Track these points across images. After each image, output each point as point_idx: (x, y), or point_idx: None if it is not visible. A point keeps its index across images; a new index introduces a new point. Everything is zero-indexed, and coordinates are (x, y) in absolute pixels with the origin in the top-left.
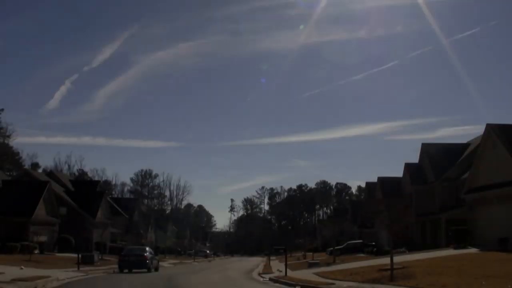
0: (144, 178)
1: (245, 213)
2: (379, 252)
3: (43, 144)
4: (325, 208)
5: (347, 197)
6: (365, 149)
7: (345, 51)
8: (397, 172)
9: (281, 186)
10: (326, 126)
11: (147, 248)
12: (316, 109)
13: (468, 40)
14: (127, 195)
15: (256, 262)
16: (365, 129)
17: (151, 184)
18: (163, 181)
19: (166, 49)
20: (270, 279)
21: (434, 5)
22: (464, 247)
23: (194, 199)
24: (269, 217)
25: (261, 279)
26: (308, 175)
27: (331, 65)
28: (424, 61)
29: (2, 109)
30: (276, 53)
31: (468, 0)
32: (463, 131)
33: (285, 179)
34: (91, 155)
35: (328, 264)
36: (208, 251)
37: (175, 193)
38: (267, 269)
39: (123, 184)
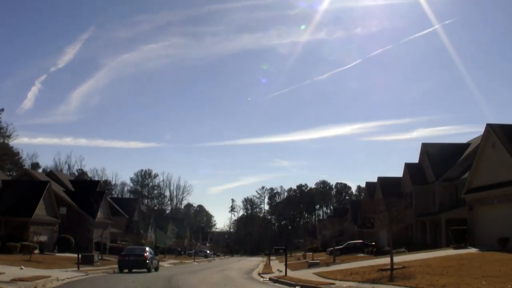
0: (144, 178)
1: (245, 213)
2: (378, 252)
3: (25, 144)
4: (325, 208)
5: (347, 197)
6: (343, 150)
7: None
8: (372, 172)
9: (281, 186)
10: (304, 127)
11: (147, 248)
12: (295, 110)
13: (449, 38)
14: (127, 195)
15: (256, 262)
16: (342, 130)
17: (151, 184)
18: (163, 181)
19: (130, 51)
20: (270, 279)
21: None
22: (464, 247)
23: (194, 199)
24: (269, 217)
25: (261, 279)
26: (292, 175)
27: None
28: (393, 60)
29: (2, 109)
30: (230, 56)
31: None
32: (440, 131)
33: (272, 179)
34: (76, 154)
35: (328, 264)
36: (208, 251)
37: (175, 193)
38: (267, 269)
39: (123, 184)
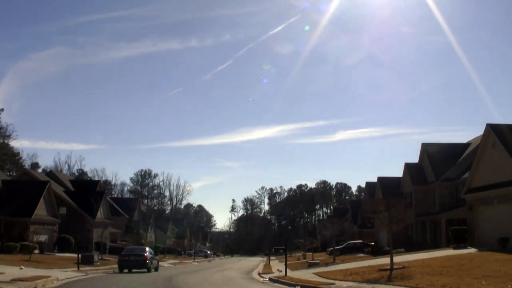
0: (144, 178)
1: (245, 213)
2: (378, 252)
3: None
4: (325, 208)
5: (347, 197)
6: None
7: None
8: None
9: (281, 186)
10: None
11: (147, 248)
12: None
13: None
14: (127, 195)
15: (256, 262)
16: (267, 132)
17: (150, 184)
18: (163, 181)
19: (21, 60)
20: (270, 279)
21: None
22: (464, 247)
23: (194, 199)
24: (269, 217)
25: (261, 279)
26: (238, 176)
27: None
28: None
29: (2, 109)
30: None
31: None
32: (361, 133)
33: (227, 180)
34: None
35: (327, 264)
36: (208, 251)
37: (175, 193)
38: (267, 269)
39: (123, 184)
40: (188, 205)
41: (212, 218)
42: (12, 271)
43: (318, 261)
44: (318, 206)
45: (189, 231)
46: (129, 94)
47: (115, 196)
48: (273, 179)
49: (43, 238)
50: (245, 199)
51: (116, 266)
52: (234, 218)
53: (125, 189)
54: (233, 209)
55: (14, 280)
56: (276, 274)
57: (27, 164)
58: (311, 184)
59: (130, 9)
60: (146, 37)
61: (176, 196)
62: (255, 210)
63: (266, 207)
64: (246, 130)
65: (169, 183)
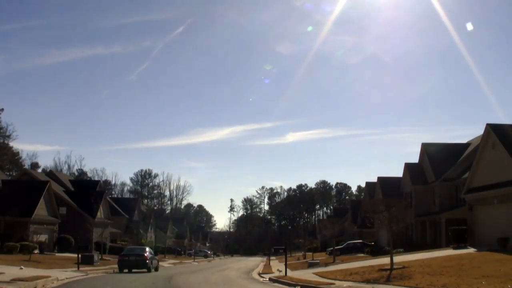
0: (144, 178)
1: (245, 213)
2: (378, 252)
3: None
4: (325, 208)
5: (347, 197)
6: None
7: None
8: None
9: (281, 186)
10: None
11: (147, 248)
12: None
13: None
14: (127, 195)
15: (256, 262)
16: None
17: (150, 184)
18: (163, 181)
19: None
20: (270, 279)
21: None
22: (464, 247)
23: (194, 199)
24: (269, 217)
25: (261, 279)
26: (202, 176)
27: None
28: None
29: (2, 109)
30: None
31: None
32: (311, 135)
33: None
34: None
35: (327, 264)
36: (208, 251)
37: (175, 193)
38: (267, 269)
39: (123, 184)
40: (188, 205)
41: (212, 218)
42: (12, 271)
43: (318, 261)
44: (318, 206)
45: (189, 231)
46: (67, 97)
47: (115, 196)
48: (248, 180)
49: (43, 238)
50: (244, 199)
51: (116, 266)
52: (234, 218)
53: (125, 189)
54: (232, 209)
55: (14, 280)
56: (276, 274)
57: (27, 164)
58: (311, 184)
59: (51, 17)
60: (73, 44)
61: (176, 196)
62: (255, 210)
63: (266, 207)
64: (202, 130)
65: (169, 183)
